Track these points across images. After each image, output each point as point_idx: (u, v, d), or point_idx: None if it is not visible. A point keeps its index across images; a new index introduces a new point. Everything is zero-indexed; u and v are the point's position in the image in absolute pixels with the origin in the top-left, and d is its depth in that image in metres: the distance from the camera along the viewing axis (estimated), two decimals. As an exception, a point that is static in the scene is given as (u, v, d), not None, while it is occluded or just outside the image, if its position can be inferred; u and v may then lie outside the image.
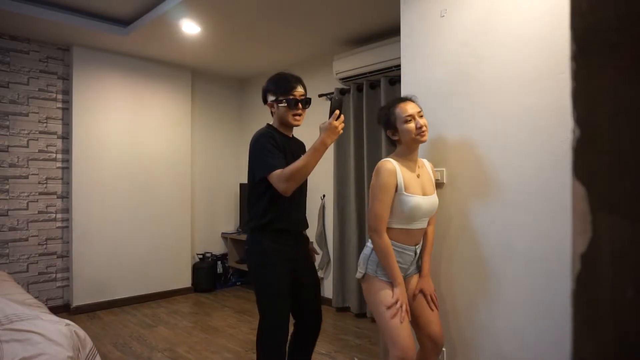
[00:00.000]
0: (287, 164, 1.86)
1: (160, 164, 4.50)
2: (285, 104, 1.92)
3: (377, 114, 1.92)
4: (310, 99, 2.01)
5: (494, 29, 1.94)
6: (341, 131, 1.81)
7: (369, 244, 1.87)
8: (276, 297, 1.89)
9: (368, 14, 3.21)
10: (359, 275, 1.88)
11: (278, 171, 1.79)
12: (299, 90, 1.95)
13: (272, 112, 2.01)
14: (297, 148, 2.04)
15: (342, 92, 3.91)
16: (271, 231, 1.90)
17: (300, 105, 1.94)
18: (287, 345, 1.98)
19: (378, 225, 1.76)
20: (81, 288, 3.95)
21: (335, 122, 1.77)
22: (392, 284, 1.77)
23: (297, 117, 1.95)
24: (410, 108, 1.80)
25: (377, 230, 1.77)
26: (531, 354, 1.79)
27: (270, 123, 2.03)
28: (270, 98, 1.97)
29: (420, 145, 2.20)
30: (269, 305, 1.90)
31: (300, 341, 2.08)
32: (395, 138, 1.84)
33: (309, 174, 1.82)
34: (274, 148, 1.85)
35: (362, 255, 1.89)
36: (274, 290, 1.89)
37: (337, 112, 1.79)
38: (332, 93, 3.96)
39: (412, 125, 1.78)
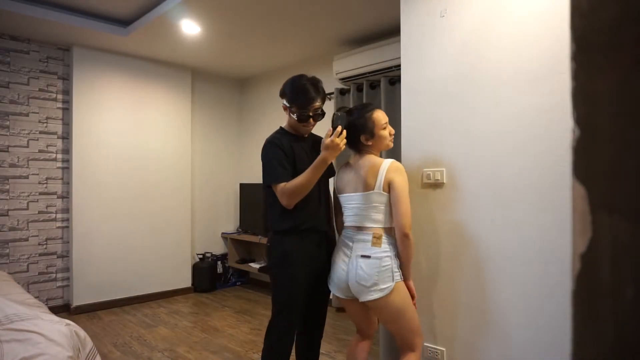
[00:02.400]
0: (299, 165, 1.87)
1: (160, 164, 4.50)
2: (296, 118, 1.90)
3: (356, 119, 1.87)
4: (324, 113, 1.95)
5: (493, 29, 1.94)
6: (343, 147, 1.80)
7: (387, 251, 1.76)
8: (290, 298, 1.88)
9: (368, 14, 3.21)
10: (386, 291, 1.72)
11: (281, 185, 1.81)
12: (317, 104, 1.90)
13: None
14: (312, 147, 1.98)
15: (342, 92, 3.91)
16: (292, 232, 1.89)
17: (311, 120, 1.92)
18: (295, 346, 2.00)
19: (410, 224, 1.77)
20: (81, 288, 3.95)
21: (337, 139, 1.76)
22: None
23: (307, 128, 1.94)
24: (384, 116, 1.90)
25: (410, 229, 1.76)
26: (531, 354, 1.79)
27: (283, 125, 2.01)
28: (285, 103, 1.94)
29: (421, 145, 2.20)
30: (281, 306, 1.90)
31: (306, 340, 2.08)
32: (369, 143, 1.88)
33: (310, 189, 1.83)
34: (280, 157, 1.85)
35: (383, 268, 1.74)
36: (289, 291, 1.88)
37: (340, 128, 1.78)
38: (332, 93, 3.96)
39: (387, 131, 1.90)
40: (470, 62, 2.02)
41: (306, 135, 2.01)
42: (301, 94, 1.87)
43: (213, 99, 5.09)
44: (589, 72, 0.40)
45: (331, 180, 2.06)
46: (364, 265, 1.75)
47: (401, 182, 1.78)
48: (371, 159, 1.86)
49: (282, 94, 1.95)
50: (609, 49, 0.39)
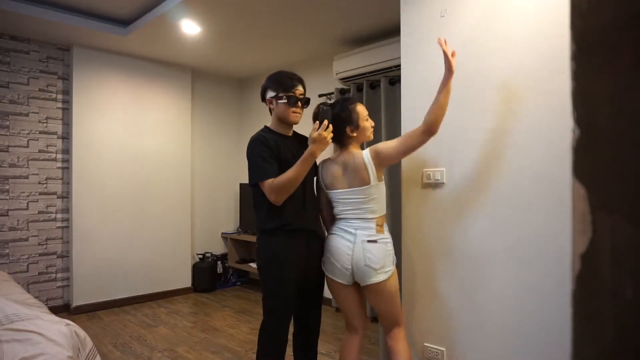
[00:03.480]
0: (284, 163, 1.87)
1: (160, 164, 4.50)
2: (286, 101, 1.92)
3: (341, 112, 1.95)
4: (309, 98, 2.01)
5: (493, 29, 1.94)
6: (330, 141, 1.83)
7: (389, 237, 1.89)
8: (280, 299, 1.89)
9: (368, 14, 3.21)
10: (389, 274, 1.85)
11: (269, 181, 1.81)
12: (300, 89, 1.95)
13: (270, 110, 2.00)
14: (297, 145, 2.00)
15: (342, 92, 3.91)
16: (279, 232, 1.89)
17: (299, 103, 1.95)
18: (292, 346, 1.99)
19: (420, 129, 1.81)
20: (81, 288, 3.95)
21: (324, 132, 1.78)
22: None
23: (296, 115, 1.95)
24: (364, 109, 1.99)
25: (424, 128, 1.80)
26: (531, 354, 1.79)
27: (268, 125, 2.02)
28: (270, 94, 1.96)
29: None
30: (273, 306, 1.90)
31: (303, 341, 2.08)
32: (354, 134, 1.96)
33: (299, 184, 1.83)
34: (266, 154, 1.86)
35: (387, 252, 1.86)
36: (279, 291, 1.88)
37: (326, 122, 1.80)
38: (332, 93, 3.96)
39: (369, 123, 1.99)
40: (470, 62, 2.02)
41: (290, 134, 2.03)
42: (283, 79, 1.95)
43: (213, 99, 5.09)
44: (588, 72, 0.40)
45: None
46: (373, 250, 1.83)
47: (385, 148, 1.86)
48: (356, 153, 1.94)
49: (264, 90, 2.00)
50: (608, 49, 0.39)
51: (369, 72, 3.56)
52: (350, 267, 1.87)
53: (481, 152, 1.98)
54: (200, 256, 4.84)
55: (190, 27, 3.48)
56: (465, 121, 2.03)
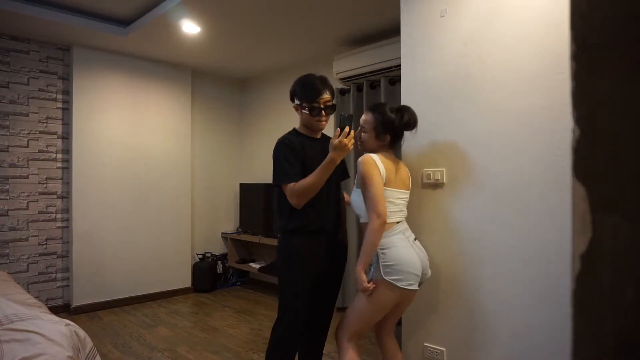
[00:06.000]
0: (309, 165, 1.87)
1: (160, 164, 4.50)
2: (308, 112, 1.92)
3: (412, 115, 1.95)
4: (335, 105, 1.99)
5: (494, 28, 1.94)
6: (351, 147, 1.81)
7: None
8: (296, 297, 1.90)
9: (368, 14, 3.21)
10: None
11: (290, 184, 1.83)
12: (325, 96, 1.92)
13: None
14: (325, 148, 1.96)
15: (342, 92, 3.91)
16: (300, 232, 1.91)
17: (323, 112, 1.93)
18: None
19: None
20: (81, 288, 3.95)
21: (344, 140, 1.78)
22: None
23: (321, 122, 1.95)
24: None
25: None
26: (531, 353, 1.79)
27: (297, 127, 2.03)
28: (296, 102, 1.97)
29: (421, 145, 2.20)
30: (288, 304, 1.91)
31: (310, 341, 2.09)
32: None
33: (319, 189, 1.84)
34: (290, 157, 1.87)
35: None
36: (296, 290, 1.90)
37: (347, 129, 1.79)
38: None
39: None
40: (470, 62, 2.02)
41: (318, 136, 2.04)
42: (309, 87, 1.92)
43: (213, 99, 5.09)
44: (589, 72, 0.40)
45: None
46: (420, 246, 1.92)
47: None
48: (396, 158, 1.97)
49: (292, 94, 1.99)
50: (609, 49, 0.39)
51: (369, 72, 3.56)
52: (422, 269, 1.82)
53: (481, 152, 1.98)
54: (200, 256, 4.84)
55: (190, 27, 3.48)
56: (466, 121, 2.03)
